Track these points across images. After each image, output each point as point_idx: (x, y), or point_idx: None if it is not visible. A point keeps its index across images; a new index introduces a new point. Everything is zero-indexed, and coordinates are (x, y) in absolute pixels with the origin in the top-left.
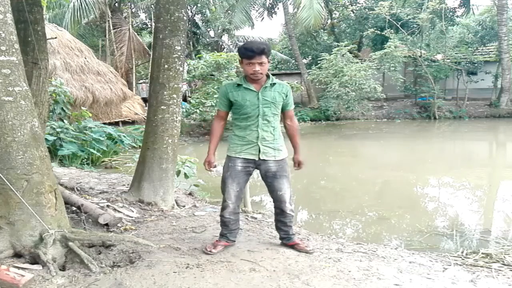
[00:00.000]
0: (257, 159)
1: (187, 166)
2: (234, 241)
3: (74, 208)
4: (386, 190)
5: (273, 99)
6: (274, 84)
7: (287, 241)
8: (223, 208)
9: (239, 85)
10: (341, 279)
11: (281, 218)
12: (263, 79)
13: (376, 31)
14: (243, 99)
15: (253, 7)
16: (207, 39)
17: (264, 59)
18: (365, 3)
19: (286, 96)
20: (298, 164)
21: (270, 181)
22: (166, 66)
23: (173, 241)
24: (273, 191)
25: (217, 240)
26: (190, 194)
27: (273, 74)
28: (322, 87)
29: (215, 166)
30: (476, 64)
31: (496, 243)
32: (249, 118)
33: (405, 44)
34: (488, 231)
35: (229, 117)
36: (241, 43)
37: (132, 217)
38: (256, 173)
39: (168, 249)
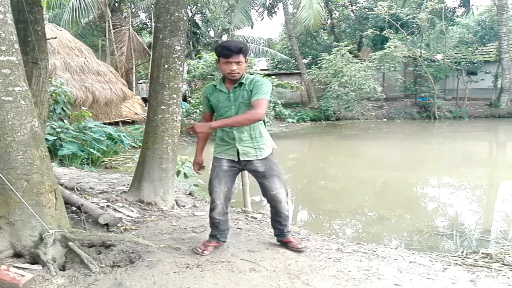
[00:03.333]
0: (236, 159)
1: (187, 166)
2: (225, 241)
3: (74, 208)
4: (386, 190)
5: (242, 98)
6: (242, 83)
7: (281, 238)
8: (212, 209)
9: (214, 86)
10: (341, 279)
11: (276, 218)
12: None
13: (375, 31)
14: (216, 100)
15: (253, 7)
16: (207, 39)
17: (241, 58)
18: (365, 3)
19: (253, 87)
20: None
21: (261, 181)
22: (166, 66)
23: (173, 241)
24: (265, 191)
25: (207, 241)
26: (190, 194)
27: (273, 74)
28: (322, 87)
29: (203, 167)
30: (476, 64)
31: (496, 243)
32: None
33: (405, 44)
34: (488, 231)
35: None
36: None
37: (132, 217)
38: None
39: (168, 249)
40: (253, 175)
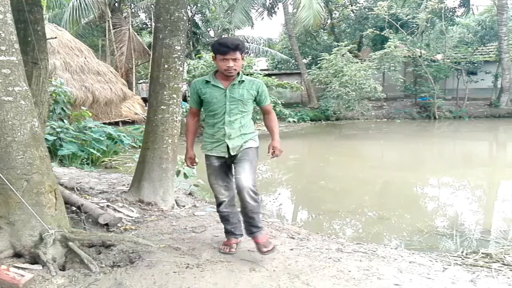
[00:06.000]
0: (227, 156)
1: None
2: (242, 235)
3: (74, 208)
4: (386, 190)
5: (240, 96)
6: (243, 81)
7: (248, 234)
8: (218, 204)
9: (207, 81)
10: (341, 279)
11: (242, 207)
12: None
13: (375, 31)
14: (210, 96)
15: (253, 7)
16: (207, 39)
17: (238, 55)
18: (365, 3)
19: (258, 92)
20: (273, 151)
21: (234, 166)
22: (166, 66)
23: (173, 241)
24: (234, 175)
25: (227, 240)
26: (190, 194)
27: (273, 74)
28: (322, 87)
29: (196, 163)
30: (476, 64)
31: (496, 243)
32: (216, 115)
33: (405, 44)
34: (488, 231)
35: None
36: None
37: (132, 217)
38: None
39: (168, 249)
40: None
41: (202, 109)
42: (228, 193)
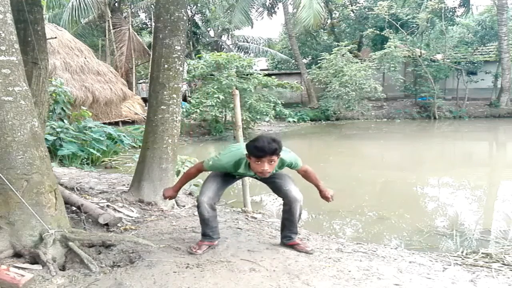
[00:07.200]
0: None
1: (187, 166)
2: (219, 237)
3: (74, 208)
4: (386, 190)
5: (270, 175)
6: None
7: (287, 241)
8: (199, 205)
9: (238, 165)
10: (341, 279)
11: (289, 216)
12: None
13: (375, 31)
14: (241, 175)
15: (253, 6)
16: (207, 39)
17: (274, 157)
18: (365, 2)
19: (289, 166)
20: (328, 199)
21: (272, 180)
22: (166, 66)
23: (173, 241)
24: (279, 188)
25: (200, 241)
26: (190, 194)
27: (273, 74)
28: (322, 87)
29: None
30: (476, 64)
31: (496, 243)
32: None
33: (405, 44)
34: (488, 231)
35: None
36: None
37: (132, 217)
38: None
39: (168, 249)
40: (264, 181)
41: None
42: (213, 196)
